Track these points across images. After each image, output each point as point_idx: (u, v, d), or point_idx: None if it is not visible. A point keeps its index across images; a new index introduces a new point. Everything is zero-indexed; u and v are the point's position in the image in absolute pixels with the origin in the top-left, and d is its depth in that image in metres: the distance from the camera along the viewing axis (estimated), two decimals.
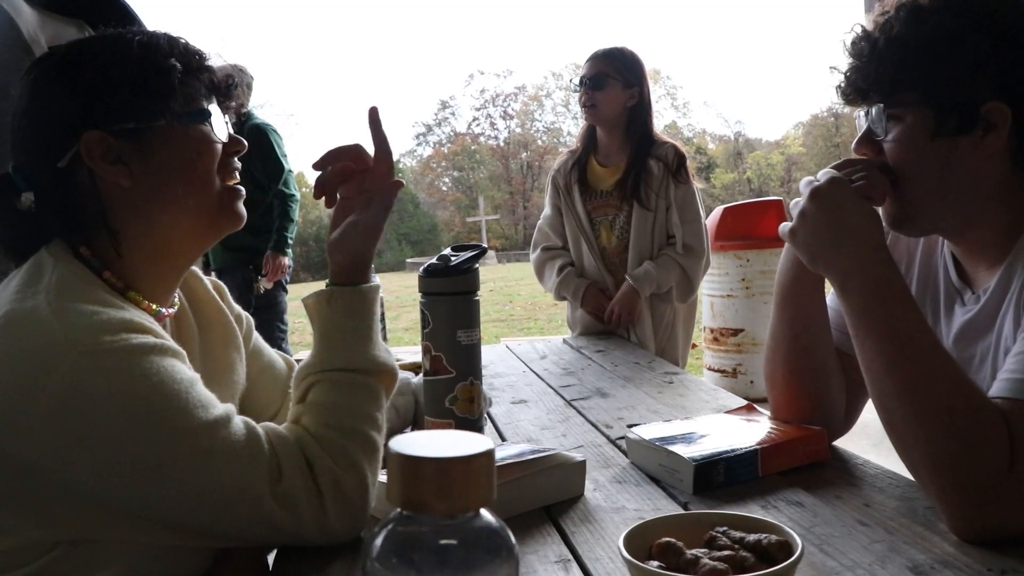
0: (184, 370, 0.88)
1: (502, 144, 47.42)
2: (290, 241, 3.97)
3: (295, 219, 4.01)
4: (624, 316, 2.54)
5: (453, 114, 48.97)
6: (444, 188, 47.95)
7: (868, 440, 1.77)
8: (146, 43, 0.97)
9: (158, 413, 0.83)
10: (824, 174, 1.05)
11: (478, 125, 48.18)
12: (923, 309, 1.16)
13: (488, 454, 0.46)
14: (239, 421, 0.90)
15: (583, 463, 1.08)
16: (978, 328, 1.05)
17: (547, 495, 1.04)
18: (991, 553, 0.82)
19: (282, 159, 3.97)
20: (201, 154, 0.99)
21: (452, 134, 48.56)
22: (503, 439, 1.40)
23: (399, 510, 0.47)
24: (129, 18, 1.80)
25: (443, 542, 0.46)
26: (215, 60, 1.03)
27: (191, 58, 1.00)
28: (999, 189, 1.01)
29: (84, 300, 0.87)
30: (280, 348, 3.96)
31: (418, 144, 49.48)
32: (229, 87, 1.04)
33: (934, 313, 1.15)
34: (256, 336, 1.26)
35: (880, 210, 1.07)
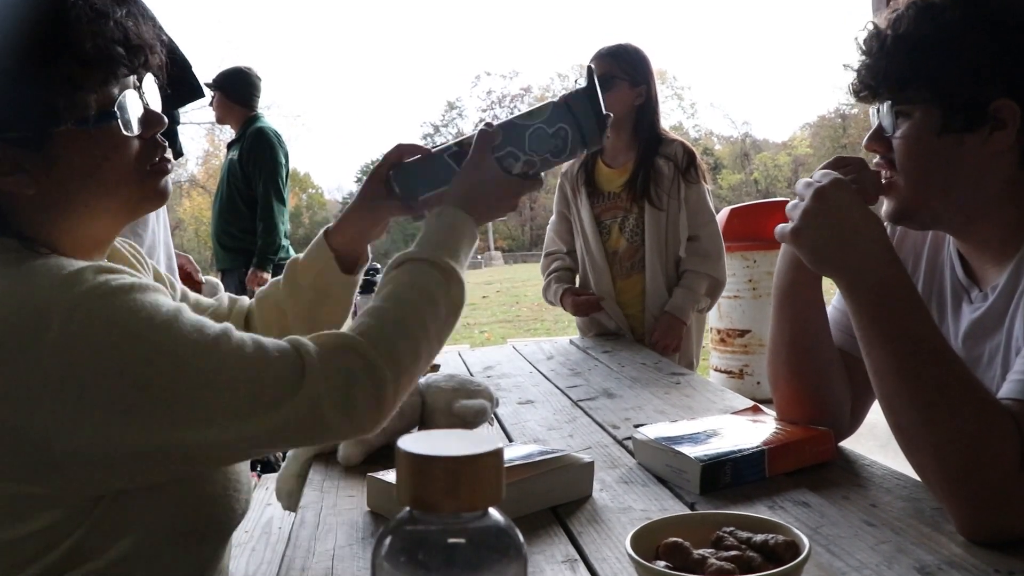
0: (167, 300, 0.84)
1: None
2: (271, 258, 3.89)
3: (279, 238, 3.92)
4: (671, 347, 2.52)
5: (460, 115, 49.08)
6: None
7: (875, 441, 1.77)
8: (39, 33, 0.83)
9: (159, 347, 0.80)
10: (824, 176, 1.04)
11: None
12: (929, 308, 1.15)
13: (497, 453, 0.46)
14: (242, 333, 0.86)
15: (591, 464, 1.08)
16: (987, 327, 1.05)
17: (555, 496, 1.04)
18: (999, 554, 0.82)
19: (274, 171, 3.90)
20: (110, 157, 0.89)
21: (459, 135, 48.60)
22: (510, 440, 1.40)
23: (408, 509, 0.47)
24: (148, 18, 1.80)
25: (451, 541, 0.47)
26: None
27: (91, 42, 0.85)
28: (1006, 187, 1.01)
29: (39, 260, 0.83)
30: None
31: (425, 145, 49.61)
32: (147, 60, 0.92)
33: (940, 312, 1.14)
34: (185, 290, 1.20)
35: (883, 203, 1.07)
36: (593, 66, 1.07)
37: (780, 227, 1.07)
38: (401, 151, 1.16)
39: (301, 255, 1.19)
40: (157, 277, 1.15)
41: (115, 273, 0.83)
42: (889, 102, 1.04)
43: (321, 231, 1.18)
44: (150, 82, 0.95)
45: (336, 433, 0.86)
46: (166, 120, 0.96)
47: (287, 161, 4.03)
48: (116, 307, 0.80)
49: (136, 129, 0.91)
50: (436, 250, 0.98)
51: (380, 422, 0.88)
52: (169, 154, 0.98)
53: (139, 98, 0.92)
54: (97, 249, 0.97)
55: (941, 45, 0.98)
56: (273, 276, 3.92)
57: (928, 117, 1.01)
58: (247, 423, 0.81)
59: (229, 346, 0.83)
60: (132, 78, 0.91)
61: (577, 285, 2.71)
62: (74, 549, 0.84)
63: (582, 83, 1.07)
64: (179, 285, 1.20)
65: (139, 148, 0.92)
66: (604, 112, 1.05)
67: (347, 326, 0.92)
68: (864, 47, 1.06)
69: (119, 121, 0.88)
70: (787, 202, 1.08)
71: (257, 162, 3.89)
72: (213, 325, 0.84)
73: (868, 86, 1.06)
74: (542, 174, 1.10)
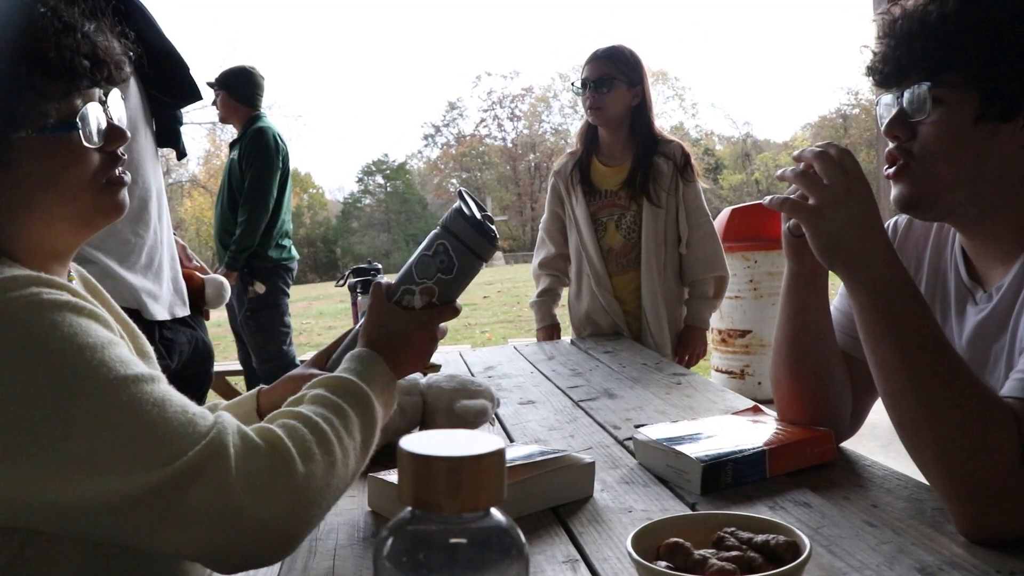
0: (101, 330, 0.81)
1: (510, 145, 47.45)
2: (240, 258, 3.85)
3: (253, 241, 3.86)
4: (701, 355, 2.64)
5: (461, 115, 49.01)
6: (452, 189, 47.88)
7: (876, 441, 1.77)
8: (3, 39, 0.85)
9: (70, 368, 0.77)
10: (848, 159, 0.98)
11: (485, 127, 48.17)
12: (934, 310, 1.15)
13: (499, 453, 0.47)
14: (170, 387, 0.82)
15: (592, 464, 1.08)
16: (992, 327, 1.04)
17: (556, 496, 1.04)
18: (999, 555, 0.82)
19: (264, 170, 3.86)
20: (69, 167, 0.90)
21: (460, 135, 48.61)
22: (511, 440, 1.40)
23: (410, 509, 0.47)
24: (145, 19, 1.80)
25: (453, 541, 0.47)
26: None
27: (56, 53, 0.86)
28: (1022, 181, 1.00)
29: None
30: (281, 349, 3.87)
31: (426, 145, 49.62)
32: (111, 75, 0.93)
33: (944, 314, 1.14)
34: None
35: (892, 190, 1.06)
36: (462, 189, 1.09)
37: (792, 200, 0.99)
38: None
39: (226, 403, 1.17)
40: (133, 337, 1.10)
41: (53, 288, 0.81)
42: (927, 84, 1.00)
43: (256, 388, 1.17)
44: (115, 97, 0.96)
45: (242, 508, 0.77)
46: (128, 135, 0.96)
47: (285, 163, 3.98)
48: (40, 320, 0.78)
49: (97, 141, 0.92)
50: (354, 377, 0.94)
51: (296, 512, 0.80)
52: (127, 167, 0.97)
53: (103, 111, 0.93)
54: (56, 260, 0.96)
55: (986, 31, 0.96)
56: (252, 278, 3.86)
57: (965, 103, 0.98)
58: (147, 472, 0.75)
59: (151, 387, 0.79)
60: (97, 91, 0.92)
61: (570, 282, 2.75)
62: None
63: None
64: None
65: (99, 160, 0.93)
66: (483, 216, 1.05)
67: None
68: (896, 27, 1.02)
69: (79, 132, 0.89)
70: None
71: (251, 161, 3.87)
72: (141, 366, 0.81)
73: (900, 67, 1.02)
74: (457, 302, 1.07)
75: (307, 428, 0.85)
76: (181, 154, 2.17)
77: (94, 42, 0.90)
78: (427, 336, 1.04)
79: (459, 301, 1.08)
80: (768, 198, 1.04)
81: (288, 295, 4.09)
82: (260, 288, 3.88)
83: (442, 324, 1.06)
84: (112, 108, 0.95)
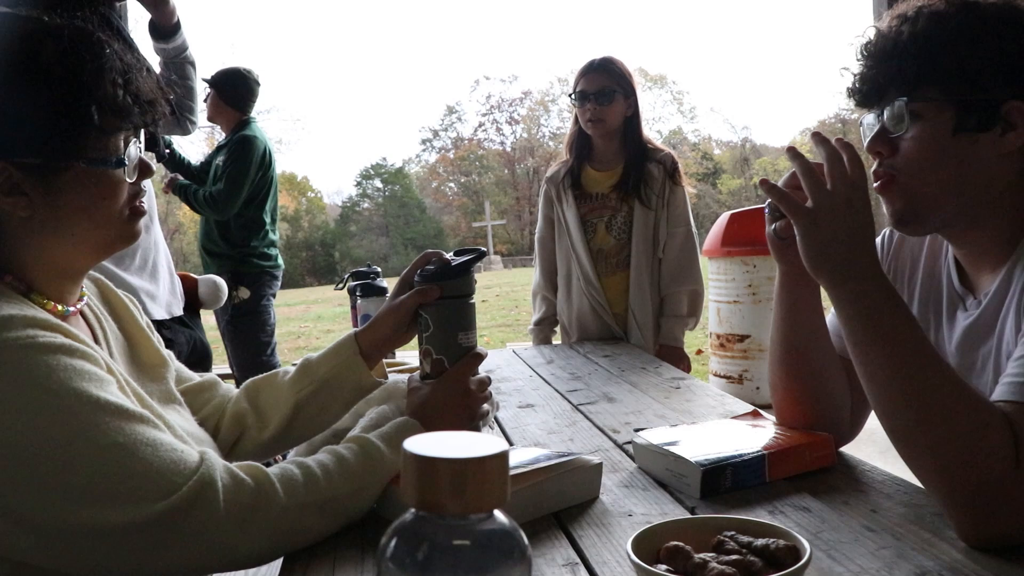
0: (95, 370, 0.87)
1: (508, 149, 47.45)
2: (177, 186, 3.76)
3: (196, 203, 3.76)
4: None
5: (459, 119, 49.02)
6: (450, 193, 48.00)
7: (875, 447, 1.77)
8: (67, 75, 0.90)
9: (68, 408, 0.82)
10: (859, 172, 0.98)
11: (484, 131, 48.17)
12: (926, 315, 1.16)
13: (502, 455, 0.47)
14: (158, 423, 0.89)
15: (600, 465, 1.09)
16: (979, 333, 1.06)
17: (565, 498, 1.04)
18: (999, 560, 0.82)
19: (237, 180, 3.71)
20: (107, 198, 0.97)
21: (458, 139, 48.58)
22: (511, 444, 1.40)
23: (413, 510, 0.47)
24: (120, 35, 1.81)
25: (456, 543, 0.47)
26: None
27: (116, 92, 0.94)
28: (1008, 190, 1.02)
29: None
30: (259, 359, 3.72)
31: (424, 149, 49.62)
32: (155, 116, 1.01)
33: (936, 319, 1.15)
34: (169, 356, 1.24)
35: (884, 208, 1.07)
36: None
37: (790, 198, 1.00)
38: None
39: (315, 355, 1.24)
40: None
41: (48, 330, 0.86)
42: (904, 100, 1.02)
43: (351, 331, 1.26)
44: (140, 135, 1.03)
45: (229, 536, 0.87)
46: (154, 170, 1.05)
47: (265, 173, 3.83)
48: (37, 363, 0.82)
49: (133, 176, 1.00)
50: (368, 435, 1.05)
51: (276, 539, 0.91)
52: (146, 198, 1.05)
53: (136, 147, 1.00)
54: (69, 279, 1.01)
55: (958, 45, 0.99)
56: (236, 284, 3.75)
57: (942, 116, 1.01)
58: (148, 504, 0.82)
59: (142, 426, 0.86)
60: (137, 136, 1.00)
61: (558, 285, 2.76)
62: None
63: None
64: (174, 362, 1.24)
65: (128, 192, 1.00)
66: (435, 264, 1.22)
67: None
68: (872, 47, 1.05)
69: (125, 167, 0.97)
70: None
71: (228, 166, 3.71)
72: (135, 410, 0.87)
73: (877, 86, 1.05)
74: (478, 349, 1.23)
75: (300, 470, 0.95)
76: (160, 155, 2.17)
77: (139, 83, 0.98)
78: (456, 390, 1.16)
79: (480, 347, 1.23)
80: (767, 184, 1.03)
81: (271, 304, 3.94)
82: (245, 293, 3.74)
83: (478, 376, 1.20)
84: (141, 144, 1.03)
